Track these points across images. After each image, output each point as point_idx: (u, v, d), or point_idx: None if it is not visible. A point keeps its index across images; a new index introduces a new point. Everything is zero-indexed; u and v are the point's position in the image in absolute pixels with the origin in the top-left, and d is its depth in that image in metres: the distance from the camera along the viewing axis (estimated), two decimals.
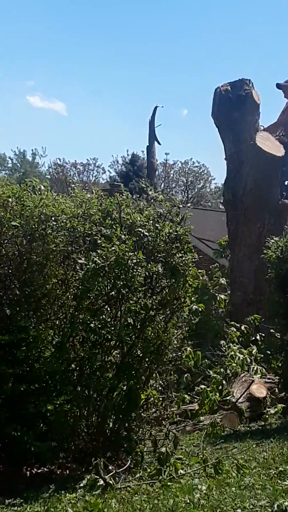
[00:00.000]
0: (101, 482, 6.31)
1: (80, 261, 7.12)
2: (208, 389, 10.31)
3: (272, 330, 11.17)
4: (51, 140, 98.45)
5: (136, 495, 6.27)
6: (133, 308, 7.20)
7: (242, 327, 12.65)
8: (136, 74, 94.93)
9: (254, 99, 15.76)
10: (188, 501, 6.03)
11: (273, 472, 7.12)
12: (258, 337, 12.38)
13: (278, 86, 16.64)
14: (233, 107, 15.71)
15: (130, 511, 5.75)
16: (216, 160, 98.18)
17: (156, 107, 44.50)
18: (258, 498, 6.17)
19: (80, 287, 7.11)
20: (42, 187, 7.42)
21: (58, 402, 6.63)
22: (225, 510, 5.84)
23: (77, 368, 7.15)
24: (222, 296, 14.96)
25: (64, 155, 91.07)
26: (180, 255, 7.68)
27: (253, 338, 12.46)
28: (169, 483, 6.65)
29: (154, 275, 7.53)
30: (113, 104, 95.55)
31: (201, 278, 14.51)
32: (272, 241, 10.70)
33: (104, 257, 6.88)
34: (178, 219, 8.08)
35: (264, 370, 11.42)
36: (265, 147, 15.22)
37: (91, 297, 7.13)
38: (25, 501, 5.86)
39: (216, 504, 5.98)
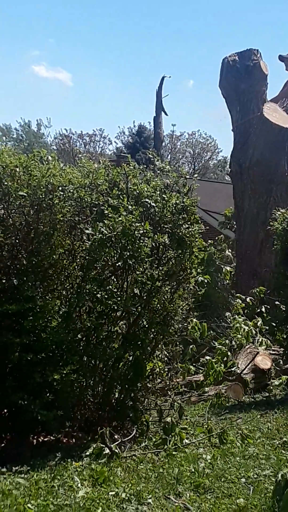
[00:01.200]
0: (107, 451, 6.37)
1: (87, 231, 7.11)
2: (213, 360, 10.36)
3: (277, 302, 11.19)
4: (56, 111, 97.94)
5: (141, 464, 6.33)
6: (139, 278, 7.20)
7: (248, 299, 12.69)
8: (142, 44, 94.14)
9: (262, 70, 15.65)
10: (193, 470, 6.09)
11: (277, 443, 7.19)
12: (263, 309, 12.42)
13: (281, 58, 16.50)
14: (240, 78, 15.61)
15: (135, 479, 5.80)
16: (223, 132, 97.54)
17: (163, 77, 44.02)
18: (262, 468, 6.24)
19: (86, 257, 7.11)
20: (50, 158, 7.38)
21: (64, 372, 6.67)
22: (230, 479, 5.90)
23: (84, 338, 7.18)
24: (228, 268, 14.99)
25: (70, 125, 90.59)
26: (187, 226, 7.65)
27: (258, 310, 12.50)
28: (174, 452, 6.72)
29: (161, 246, 7.52)
30: (120, 75, 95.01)
31: (207, 249, 14.50)
32: (279, 213, 10.68)
33: (111, 227, 6.86)
34: (185, 190, 8.04)
35: (269, 341, 11.48)
36: (273, 118, 15.13)
37: (98, 268, 7.13)
38: (32, 469, 5.91)
39: (221, 473, 6.04)
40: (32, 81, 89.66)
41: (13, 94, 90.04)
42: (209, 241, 15.26)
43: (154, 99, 44.16)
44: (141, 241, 6.99)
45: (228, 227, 18.06)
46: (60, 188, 7.02)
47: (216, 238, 16.76)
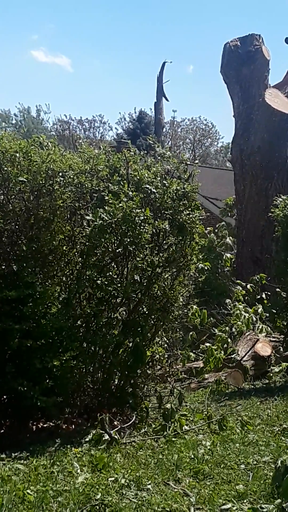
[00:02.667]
0: (107, 437, 6.37)
1: (87, 217, 7.07)
2: (213, 347, 10.36)
3: (277, 289, 11.18)
4: (56, 96, 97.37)
5: (141, 450, 6.33)
6: (139, 265, 7.18)
7: (248, 286, 12.68)
8: (143, 28, 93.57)
9: (264, 55, 15.57)
10: (193, 456, 6.09)
11: (277, 429, 7.20)
12: (263, 296, 12.41)
13: (287, 40, 16.36)
14: (242, 63, 15.53)
15: (135, 465, 5.80)
16: (224, 118, 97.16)
17: (164, 63, 43.92)
18: (261, 454, 6.24)
19: (87, 243, 7.09)
20: (50, 143, 7.34)
21: (64, 358, 6.66)
22: (229, 465, 5.90)
23: (83, 325, 7.17)
24: (228, 255, 14.97)
25: (70, 111, 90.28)
26: (188, 212, 7.63)
27: (259, 297, 12.49)
28: (173, 439, 6.72)
29: (161, 232, 7.49)
30: (120, 60, 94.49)
31: (208, 236, 14.49)
32: (280, 199, 10.64)
33: (111, 213, 6.83)
34: (185, 176, 8.01)
35: (269, 329, 11.48)
36: (274, 104, 15.06)
37: (98, 254, 7.11)
38: (31, 455, 5.91)
39: (220, 460, 6.04)
40: (31, 66, 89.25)
41: (11, 79, 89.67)
42: (207, 229, 15.22)
43: (155, 85, 44.09)
44: (142, 227, 6.96)
45: (229, 214, 18.02)
46: (60, 174, 6.98)
47: (217, 225, 16.73)
